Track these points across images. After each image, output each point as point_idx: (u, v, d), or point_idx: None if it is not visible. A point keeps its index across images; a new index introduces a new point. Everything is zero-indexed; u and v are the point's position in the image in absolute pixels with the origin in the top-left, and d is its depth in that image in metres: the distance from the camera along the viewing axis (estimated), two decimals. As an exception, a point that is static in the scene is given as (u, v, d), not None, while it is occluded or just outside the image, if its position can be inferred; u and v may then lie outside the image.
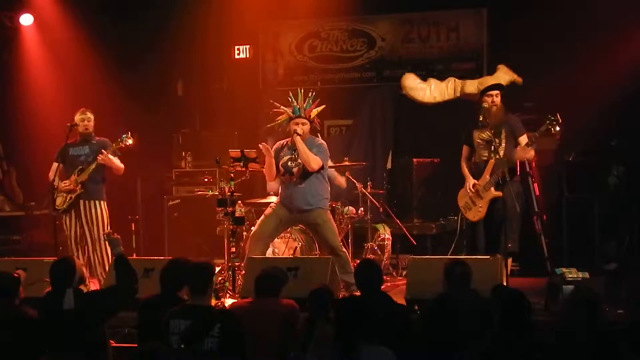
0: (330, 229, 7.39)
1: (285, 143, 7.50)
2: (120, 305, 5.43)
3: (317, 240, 7.75)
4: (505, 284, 6.81)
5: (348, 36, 11.15)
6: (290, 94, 7.42)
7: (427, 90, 8.53)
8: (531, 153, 7.22)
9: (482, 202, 7.17)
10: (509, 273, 7.03)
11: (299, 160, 7.32)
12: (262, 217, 7.56)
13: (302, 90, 7.43)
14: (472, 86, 7.94)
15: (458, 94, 8.18)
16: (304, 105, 7.35)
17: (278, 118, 7.52)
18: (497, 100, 7.26)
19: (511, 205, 6.89)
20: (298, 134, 7.22)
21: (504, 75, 8.19)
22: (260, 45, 11.42)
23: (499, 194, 7.00)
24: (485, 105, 7.28)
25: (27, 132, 10.40)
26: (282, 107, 7.46)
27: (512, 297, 4.64)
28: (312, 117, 7.41)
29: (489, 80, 7.61)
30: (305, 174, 7.34)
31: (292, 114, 7.37)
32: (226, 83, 11.38)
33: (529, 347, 4.36)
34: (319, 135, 7.76)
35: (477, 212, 7.24)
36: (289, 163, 7.38)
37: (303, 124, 7.33)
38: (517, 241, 7.13)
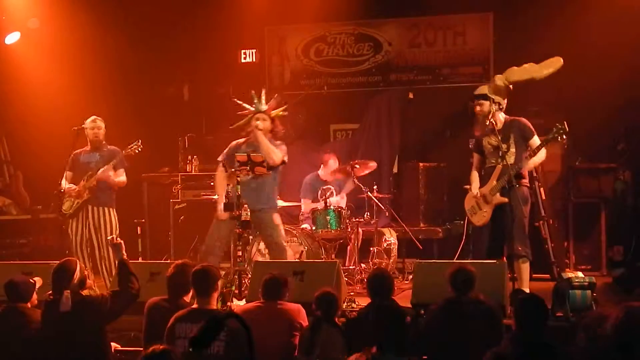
0: (281, 233, 7.57)
1: (243, 141, 7.60)
2: (119, 310, 5.44)
3: (264, 240, 7.82)
4: (526, 289, 6.81)
5: (354, 40, 11.17)
6: (253, 92, 7.58)
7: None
8: (542, 155, 7.12)
9: (488, 207, 7.15)
10: (522, 278, 7.00)
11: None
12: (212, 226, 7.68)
13: (265, 91, 7.59)
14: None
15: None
16: (265, 104, 7.53)
17: (242, 120, 7.64)
18: (480, 109, 7.21)
19: (518, 210, 6.87)
20: (259, 129, 7.37)
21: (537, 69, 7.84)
22: (266, 50, 11.45)
23: (505, 200, 6.97)
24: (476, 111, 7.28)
25: (34, 136, 10.42)
26: (244, 104, 7.61)
27: (530, 301, 4.66)
28: (272, 115, 7.56)
29: (477, 90, 7.50)
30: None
31: (254, 110, 7.54)
32: (232, 87, 11.37)
33: (546, 350, 4.37)
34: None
35: (482, 217, 7.21)
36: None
37: (264, 119, 7.51)
38: (529, 246, 7.10)
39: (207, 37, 10.72)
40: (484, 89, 7.41)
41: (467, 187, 7.43)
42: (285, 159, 7.54)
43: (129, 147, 7.81)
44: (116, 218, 7.97)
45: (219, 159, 7.76)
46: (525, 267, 7.05)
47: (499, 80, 7.57)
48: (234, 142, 7.71)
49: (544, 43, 9.40)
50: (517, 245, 6.96)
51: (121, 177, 7.94)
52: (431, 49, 10.88)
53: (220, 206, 7.40)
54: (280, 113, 7.66)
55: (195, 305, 5.07)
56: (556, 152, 9.04)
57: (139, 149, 7.81)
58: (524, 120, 7.25)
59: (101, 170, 7.73)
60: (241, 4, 10.48)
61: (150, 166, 10.31)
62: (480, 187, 7.24)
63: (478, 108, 7.23)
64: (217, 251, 7.52)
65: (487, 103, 7.21)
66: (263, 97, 7.54)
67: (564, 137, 6.86)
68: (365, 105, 11.08)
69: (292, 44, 11.38)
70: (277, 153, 7.42)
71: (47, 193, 9.39)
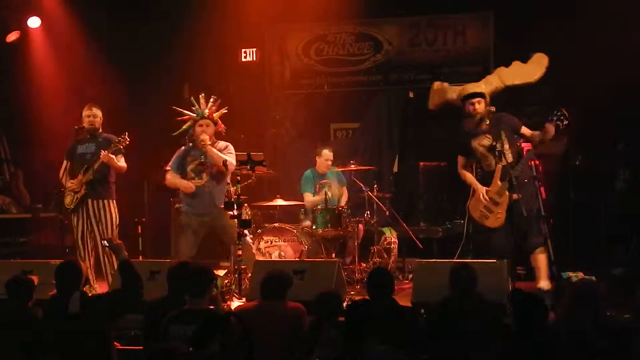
0: (235, 227, 7.54)
1: (190, 147, 7.61)
2: (124, 310, 5.44)
3: (225, 239, 7.83)
4: (546, 281, 6.82)
5: (355, 40, 11.16)
6: (192, 98, 7.64)
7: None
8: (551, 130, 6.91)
9: (500, 208, 7.06)
10: (540, 269, 7.03)
11: (207, 164, 7.47)
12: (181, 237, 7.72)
13: (204, 95, 7.61)
14: (454, 92, 7.71)
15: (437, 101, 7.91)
16: (207, 107, 7.56)
17: (184, 126, 7.68)
18: (479, 107, 7.15)
19: (526, 205, 6.85)
20: (207, 143, 7.35)
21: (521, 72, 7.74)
22: (267, 49, 11.44)
23: (516, 196, 6.93)
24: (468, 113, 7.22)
25: (34, 134, 10.41)
26: (185, 111, 7.64)
27: (530, 299, 4.68)
28: (215, 118, 7.61)
29: (470, 88, 7.43)
30: (213, 177, 7.51)
31: (196, 117, 7.57)
32: (233, 86, 11.36)
33: (545, 348, 4.39)
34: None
35: (496, 219, 7.10)
36: (199, 167, 7.49)
37: (207, 125, 7.55)
38: (543, 234, 7.06)
39: (207, 36, 10.70)
40: (479, 87, 7.37)
41: (476, 188, 7.28)
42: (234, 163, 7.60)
43: (116, 140, 7.78)
44: (116, 210, 7.95)
45: (168, 167, 7.76)
46: (542, 258, 7.02)
47: (495, 82, 7.55)
48: (180, 149, 7.72)
49: (544, 42, 9.40)
50: (532, 238, 6.97)
51: (121, 162, 7.92)
52: (431, 48, 10.87)
53: (186, 182, 7.50)
54: (223, 112, 7.70)
55: (188, 306, 5.06)
56: (557, 151, 9.04)
57: (127, 142, 7.77)
58: (508, 114, 7.23)
59: (103, 154, 7.69)
60: (242, 3, 10.46)
61: (151, 165, 10.29)
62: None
63: (476, 106, 7.17)
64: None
65: (483, 101, 7.18)
66: (202, 101, 7.59)
67: (565, 122, 6.76)
68: (365, 105, 11.08)
69: (293, 43, 11.37)
70: (230, 162, 7.48)
71: (48, 192, 9.40)
